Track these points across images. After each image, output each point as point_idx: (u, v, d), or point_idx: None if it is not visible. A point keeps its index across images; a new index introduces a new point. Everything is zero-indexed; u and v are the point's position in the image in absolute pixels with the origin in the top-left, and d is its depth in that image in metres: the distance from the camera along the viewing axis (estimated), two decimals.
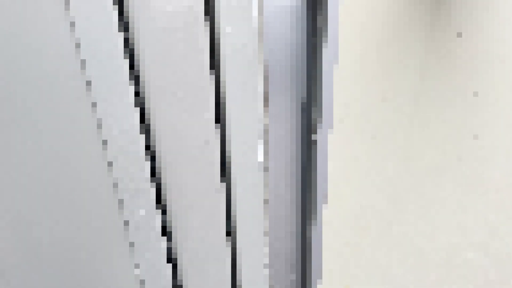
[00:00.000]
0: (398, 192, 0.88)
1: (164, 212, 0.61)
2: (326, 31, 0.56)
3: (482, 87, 0.76)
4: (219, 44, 0.53)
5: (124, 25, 0.50)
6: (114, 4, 0.47)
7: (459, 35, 0.65)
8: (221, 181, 0.63)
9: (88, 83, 0.50)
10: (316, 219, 0.75)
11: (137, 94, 0.54)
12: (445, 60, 0.68)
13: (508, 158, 0.92)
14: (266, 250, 0.71)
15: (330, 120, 0.58)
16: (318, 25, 0.56)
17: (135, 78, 0.53)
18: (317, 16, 0.56)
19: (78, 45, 0.48)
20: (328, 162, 0.71)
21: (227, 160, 0.60)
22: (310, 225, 0.75)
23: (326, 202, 0.74)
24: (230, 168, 0.61)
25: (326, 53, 0.57)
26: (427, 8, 0.61)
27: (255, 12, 0.53)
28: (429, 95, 0.72)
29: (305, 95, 0.61)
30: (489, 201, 1.04)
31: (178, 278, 0.66)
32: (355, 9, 0.58)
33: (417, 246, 1.03)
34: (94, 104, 0.51)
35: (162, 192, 0.59)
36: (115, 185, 0.56)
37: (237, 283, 0.69)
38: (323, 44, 0.55)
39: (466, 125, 0.83)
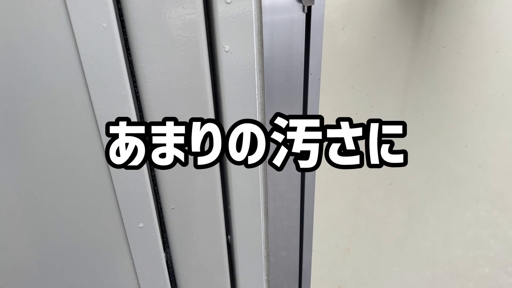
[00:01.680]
0: (415, 202, 0.88)
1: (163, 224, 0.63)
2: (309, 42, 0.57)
3: (470, 99, 0.76)
4: (218, 62, 0.55)
5: (126, 47, 0.52)
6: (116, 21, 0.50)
7: (442, 47, 0.65)
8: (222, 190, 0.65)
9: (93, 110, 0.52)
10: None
11: (139, 113, 0.56)
12: (429, 71, 0.68)
13: None
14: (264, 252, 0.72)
15: None
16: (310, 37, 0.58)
17: (137, 97, 0.55)
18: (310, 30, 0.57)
19: (82, 70, 0.51)
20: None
21: (227, 169, 0.62)
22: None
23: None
24: (229, 177, 0.63)
25: (312, 64, 0.58)
26: (411, 22, 0.61)
27: (255, 30, 0.54)
28: (415, 102, 0.72)
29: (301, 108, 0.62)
30: (510, 216, 1.02)
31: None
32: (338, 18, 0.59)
33: (433, 258, 1.02)
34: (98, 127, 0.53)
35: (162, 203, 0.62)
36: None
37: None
38: (311, 55, 0.56)
39: (456, 135, 0.82)
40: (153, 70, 0.51)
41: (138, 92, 0.53)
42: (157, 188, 0.60)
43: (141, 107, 0.54)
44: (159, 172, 0.58)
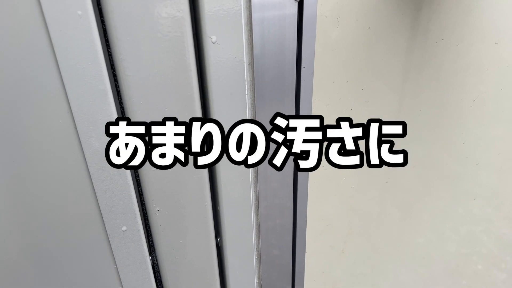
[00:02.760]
0: (409, 200, 0.86)
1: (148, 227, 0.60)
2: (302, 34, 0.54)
3: (469, 92, 0.74)
4: (204, 54, 0.52)
5: (106, 42, 0.49)
6: (95, 14, 0.46)
7: (440, 39, 0.63)
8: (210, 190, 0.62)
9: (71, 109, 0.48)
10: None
11: (121, 109, 0.53)
12: (427, 64, 0.66)
13: None
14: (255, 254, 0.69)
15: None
16: (302, 31, 0.55)
17: (118, 91, 0.52)
18: (302, 22, 0.54)
19: (56, 63, 0.47)
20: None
21: (213, 171, 0.59)
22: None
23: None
24: (218, 176, 0.60)
25: (305, 56, 0.55)
26: (408, 13, 0.59)
27: (244, 20, 0.51)
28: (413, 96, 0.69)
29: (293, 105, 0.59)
30: (504, 214, 1.01)
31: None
32: (332, 12, 0.56)
33: (427, 255, 1.01)
34: (77, 126, 0.50)
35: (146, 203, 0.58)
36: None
37: None
38: (303, 48, 0.53)
39: (454, 131, 0.80)
40: (135, 63, 0.48)
41: (118, 87, 0.50)
42: (141, 189, 0.56)
43: (122, 103, 0.51)
44: (143, 172, 0.54)
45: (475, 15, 0.65)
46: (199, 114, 0.53)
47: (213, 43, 0.49)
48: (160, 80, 0.49)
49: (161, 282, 0.64)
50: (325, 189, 0.72)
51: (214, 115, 0.54)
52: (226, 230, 0.62)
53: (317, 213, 0.75)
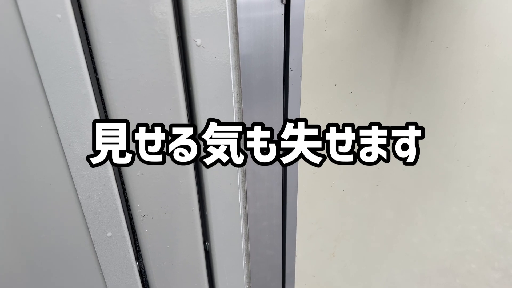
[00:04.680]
0: (403, 200, 0.86)
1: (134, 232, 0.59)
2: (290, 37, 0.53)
3: (458, 94, 0.73)
4: (189, 57, 0.51)
5: (86, 39, 0.48)
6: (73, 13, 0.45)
7: (430, 41, 0.62)
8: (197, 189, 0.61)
9: (51, 115, 0.47)
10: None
11: (104, 113, 0.52)
12: (416, 67, 0.65)
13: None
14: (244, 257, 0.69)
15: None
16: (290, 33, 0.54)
17: (101, 95, 0.51)
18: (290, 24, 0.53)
19: (36, 67, 0.46)
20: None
21: (201, 172, 0.59)
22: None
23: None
24: (205, 180, 0.59)
25: (292, 60, 0.54)
26: (397, 15, 0.58)
27: (229, 23, 0.50)
28: (402, 99, 0.69)
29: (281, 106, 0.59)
30: (497, 213, 1.01)
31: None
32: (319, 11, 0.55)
33: (421, 255, 1.01)
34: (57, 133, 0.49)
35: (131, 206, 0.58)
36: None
37: None
38: (291, 50, 0.53)
39: (446, 132, 0.79)
40: (117, 66, 0.47)
41: (101, 91, 0.49)
42: (126, 194, 0.55)
43: (105, 107, 0.50)
44: (127, 177, 0.53)
45: (466, 17, 0.65)
46: (184, 118, 0.52)
47: (198, 46, 0.48)
48: (143, 84, 0.48)
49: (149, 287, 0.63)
50: (315, 192, 0.72)
51: (199, 119, 0.53)
52: (214, 234, 0.62)
53: (307, 216, 0.74)
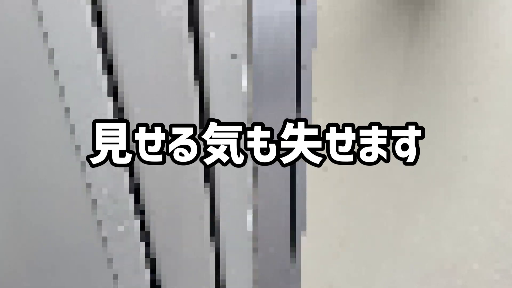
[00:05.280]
0: (404, 199, 0.86)
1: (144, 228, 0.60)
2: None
3: (468, 93, 0.73)
4: (203, 50, 0.51)
5: (102, 36, 0.48)
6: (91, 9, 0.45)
7: (440, 41, 0.62)
8: (205, 187, 0.61)
9: (67, 109, 0.48)
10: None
11: (118, 108, 0.52)
12: (425, 68, 0.65)
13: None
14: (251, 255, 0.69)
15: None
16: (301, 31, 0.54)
17: (114, 89, 0.51)
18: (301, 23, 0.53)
19: (51, 55, 0.46)
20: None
21: (210, 171, 0.59)
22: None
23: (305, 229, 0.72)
24: (214, 174, 0.59)
25: (304, 55, 0.54)
26: (406, 18, 0.58)
27: (243, 18, 0.50)
28: (408, 99, 0.69)
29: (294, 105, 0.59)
30: (498, 213, 1.00)
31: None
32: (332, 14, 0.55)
33: (422, 255, 1.01)
34: (72, 127, 0.49)
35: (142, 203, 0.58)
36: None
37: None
38: (302, 47, 0.53)
39: (449, 131, 0.79)
40: (132, 62, 0.47)
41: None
42: (138, 189, 0.56)
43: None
44: (141, 172, 0.54)
45: (476, 17, 0.65)
46: (196, 112, 0.52)
47: (211, 39, 0.48)
48: (155, 75, 0.49)
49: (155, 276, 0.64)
50: (322, 190, 0.72)
51: (211, 113, 0.53)
52: (222, 229, 0.62)
53: (314, 214, 0.74)
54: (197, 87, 0.52)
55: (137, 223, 0.58)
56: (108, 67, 0.48)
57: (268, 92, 0.55)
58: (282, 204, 0.66)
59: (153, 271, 0.62)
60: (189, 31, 0.49)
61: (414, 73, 0.67)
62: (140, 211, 0.57)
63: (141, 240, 0.60)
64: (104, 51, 0.46)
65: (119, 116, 0.51)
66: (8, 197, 0.51)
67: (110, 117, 0.49)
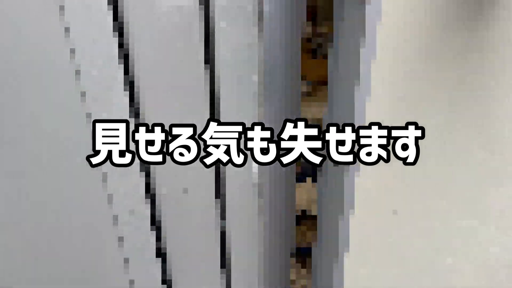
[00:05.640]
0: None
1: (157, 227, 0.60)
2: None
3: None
4: (213, 40, 0.50)
5: (118, 26, 0.48)
6: (108, 4, 0.45)
7: (499, 43, 0.61)
8: (216, 197, 0.61)
9: (83, 93, 0.48)
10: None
11: (131, 95, 0.52)
12: (484, 69, 0.64)
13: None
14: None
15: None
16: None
17: (129, 80, 0.51)
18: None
19: (73, 50, 0.46)
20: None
21: (221, 170, 0.59)
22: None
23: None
24: (224, 173, 0.59)
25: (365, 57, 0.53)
26: (464, 24, 0.57)
27: (253, 8, 0.50)
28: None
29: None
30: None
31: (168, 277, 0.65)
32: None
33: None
34: (88, 115, 0.49)
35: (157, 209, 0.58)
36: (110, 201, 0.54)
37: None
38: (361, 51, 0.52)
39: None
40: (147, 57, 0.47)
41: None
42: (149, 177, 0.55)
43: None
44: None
45: None
46: (207, 101, 0.52)
47: (223, 28, 0.48)
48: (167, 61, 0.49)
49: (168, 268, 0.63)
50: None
51: (222, 104, 0.53)
52: (230, 215, 0.62)
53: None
54: (208, 78, 0.52)
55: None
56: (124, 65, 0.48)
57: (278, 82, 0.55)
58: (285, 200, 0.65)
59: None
60: (200, 21, 0.48)
61: (472, 73, 0.65)
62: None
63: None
64: (120, 46, 0.46)
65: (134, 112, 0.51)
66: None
67: (127, 104, 0.49)
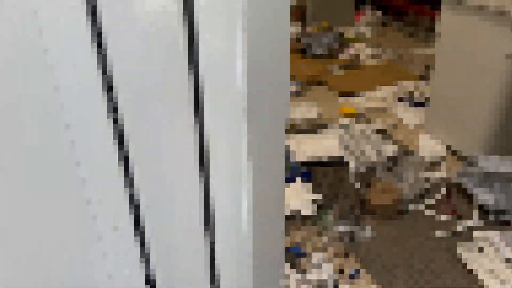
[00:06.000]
0: None
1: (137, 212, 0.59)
2: None
3: None
4: (197, 46, 0.51)
5: (97, 31, 0.48)
6: (86, 10, 0.46)
7: None
8: (200, 170, 0.60)
9: (61, 105, 0.48)
10: None
11: (110, 100, 0.52)
12: None
13: None
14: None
15: None
16: None
17: (108, 84, 0.51)
18: None
19: (51, 68, 0.46)
20: None
21: (205, 154, 0.58)
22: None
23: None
24: (208, 161, 0.59)
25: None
26: None
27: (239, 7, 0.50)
28: None
29: None
30: None
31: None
32: None
33: None
34: (67, 126, 0.49)
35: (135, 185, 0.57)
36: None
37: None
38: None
39: None
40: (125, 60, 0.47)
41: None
42: (132, 188, 0.55)
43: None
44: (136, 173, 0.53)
45: None
46: (191, 107, 0.53)
47: (205, 36, 0.49)
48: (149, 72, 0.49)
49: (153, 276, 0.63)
50: None
51: (206, 108, 0.54)
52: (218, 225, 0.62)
53: None
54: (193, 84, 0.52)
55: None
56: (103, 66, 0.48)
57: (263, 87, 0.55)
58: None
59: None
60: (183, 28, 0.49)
61: None
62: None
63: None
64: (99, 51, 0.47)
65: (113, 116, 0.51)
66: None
67: (105, 112, 0.49)
